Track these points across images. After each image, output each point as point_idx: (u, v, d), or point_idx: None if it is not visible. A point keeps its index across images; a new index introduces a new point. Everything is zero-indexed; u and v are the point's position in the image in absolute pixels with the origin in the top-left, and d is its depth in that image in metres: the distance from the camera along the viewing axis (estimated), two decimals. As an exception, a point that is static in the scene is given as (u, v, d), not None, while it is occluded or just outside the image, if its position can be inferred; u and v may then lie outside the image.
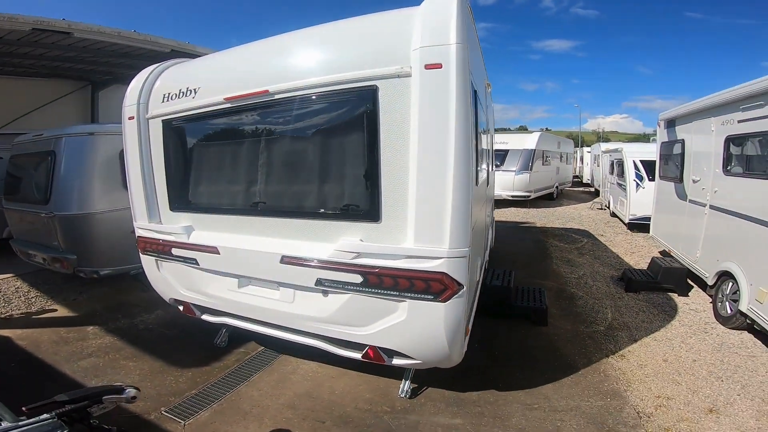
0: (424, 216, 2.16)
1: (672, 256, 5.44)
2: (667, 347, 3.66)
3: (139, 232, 3.47)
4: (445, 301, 2.20)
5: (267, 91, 2.59)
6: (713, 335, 3.86)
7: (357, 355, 2.66)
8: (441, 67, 2.07)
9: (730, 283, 3.99)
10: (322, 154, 2.58)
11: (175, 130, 3.21)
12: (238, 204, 3.01)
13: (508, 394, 2.93)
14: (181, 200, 3.27)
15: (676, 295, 4.83)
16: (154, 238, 3.35)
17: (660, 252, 6.56)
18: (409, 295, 2.27)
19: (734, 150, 4.06)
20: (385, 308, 2.39)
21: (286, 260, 2.61)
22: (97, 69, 8.50)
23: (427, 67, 2.09)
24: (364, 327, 2.51)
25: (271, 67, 2.70)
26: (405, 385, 2.89)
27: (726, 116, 4.12)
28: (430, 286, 2.20)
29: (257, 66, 2.79)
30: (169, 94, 3.16)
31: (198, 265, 3.11)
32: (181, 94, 3.07)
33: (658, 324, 4.14)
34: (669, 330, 4.01)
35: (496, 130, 10.34)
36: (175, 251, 3.22)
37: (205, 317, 3.39)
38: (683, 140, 5.16)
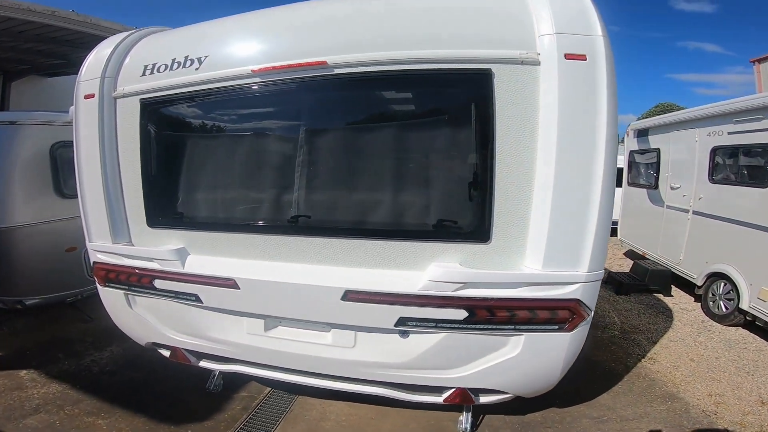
0: (559, 234, 1.76)
1: (646, 258, 5.76)
2: (685, 347, 3.78)
3: (97, 257, 2.54)
4: (571, 330, 1.83)
5: (324, 63, 1.94)
6: (715, 333, 4.10)
7: (436, 399, 2.17)
8: (585, 59, 1.70)
9: (722, 284, 4.26)
10: (403, 154, 2.05)
11: (160, 112, 2.40)
12: (266, 218, 2.31)
13: (570, 410, 2.74)
14: (166, 212, 2.45)
15: (662, 295, 5.10)
16: (123, 266, 2.46)
17: (624, 253, 7.00)
18: (528, 327, 1.85)
19: (721, 159, 4.35)
20: (489, 345, 1.94)
21: (352, 296, 1.99)
22: (13, 56, 6.68)
23: (568, 57, 1.70)
24: (456, 369, 2.03)
25: (330, 31, 2.06)
26: (465, 419, 2.43)
27: (713, 128, 4.40)
28: (557, 315, 1.82)
29: (308, 29, 2.11)
30: (154, 65, 2.34)
31: (200, 303, 2.31)
32: (176, 64, 2.27)
33: (664, 325, 4.28)
34: (676, 330, 4.16)
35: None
36: (159, 284, 2.37)
37: (206, 364, 2.61)
38: (658, 149, 5.48)
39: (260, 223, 2.30)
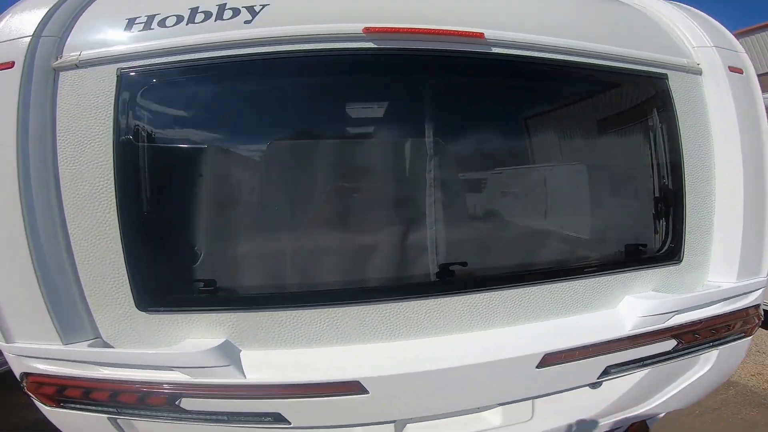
0: (749, 244, 1.72)
1: None
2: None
3: (30, 366, 1.38)
4: (751, 333, 1.83)
5: (481, 35, 1.43)
6: None
7: None
8: (742, 73, 1.75)
9: None
10: (577, 168, 1.73)
11: (164, 94, 1.45)
12: (385, 275, 1.60)
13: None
14: (178, 281, 1.49)
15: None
16: (102, 380, 1.36)
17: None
18: (723, 341, 1.76)
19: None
20: (682, 368, 1.78)
21: (550, 360, 1.50)
22: None
23: (732, 69, 1.71)
24: (645, 402, 1.79)
25: (484, 1, 1.58)
26: None
27: None
28: (745, 323, 1.79)
29: None
30: (151, 17, 1.37)
31: (282, 423, 1.40)
32: (201, 15, 1.37)
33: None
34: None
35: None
36: (192, 404, 1.36)
37: None
38: None
39: (375, 284, 1.56)
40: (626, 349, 1.60)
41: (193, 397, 1.35)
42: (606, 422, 1.76)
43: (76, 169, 1.33)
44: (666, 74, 1.67)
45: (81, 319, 1.38)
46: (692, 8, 1.87)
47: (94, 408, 1.40)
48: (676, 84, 1.69)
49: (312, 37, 1.38)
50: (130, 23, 1.37)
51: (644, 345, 1.62)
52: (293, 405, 1.38)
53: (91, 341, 1.38)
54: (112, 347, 1.41)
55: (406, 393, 1.44)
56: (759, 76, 1.82)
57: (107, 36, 1.37)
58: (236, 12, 1.38)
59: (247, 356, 1.40)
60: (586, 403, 1.71)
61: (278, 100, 1.58)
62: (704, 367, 1.79)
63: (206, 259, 1.48)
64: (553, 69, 1.58)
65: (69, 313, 1.36)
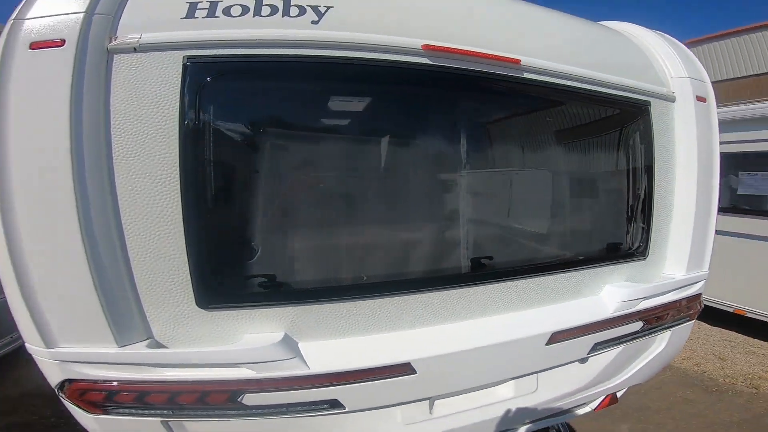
0: (696, 244, 2.15)
1: None
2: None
3: (80, 372, 1.30)
4: (695, 317, 2.28)
5: (518, 62, 1.62)
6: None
7: (588, 410, 2.24)
8: (706, 102, 2.13)
9: None
10: (579, 178, 1.99)
11: (230, 86, 1.46)
12: (428, 267, 1.76)
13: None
14: (242, 277, 1.51)
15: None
16: (158, 382, 1.34)
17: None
18: (674, 324, 2.19)
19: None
20: (645, 347, 2.18)
21: (557, 337, 1.79)
22: None
23: (698, 98, 2.09)
24: (617, 376, 2.17)
25: (522, 31, 1.77)
26: None
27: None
28: (691, 308, 2.23)
29: (499, 22, 1.73)
30: (213, 4, 1.34)
31: (337, 409, 1.51)
32: (266, 8, 1.37)
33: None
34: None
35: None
36: (254, 399, 1.40)
37: None
38: None
39: (423, 276, 1.71)
40: (609, 328, 1.94)
41: (256, 392, 1.38)
42: (589, 393, 2.10)
43: (135, 162, 1.27)
44: (650, 101, 2.01)
45: (133, 319, 1.33)
46: (674, 39, 2.21)
47: (147, 412, 1.36)
48: (655, 109, 2.03)
49: (374, 47, 1.44)
50: (192, 8, 1.31)
51: (621, 325, 1.97)
52: (349, 390, 1.48)
53: (144, 342, 1.34)
54: (165, 347, 1.37)
55: (445, 371, 1.62)
56: (714, 83, 2.22)
57: (168, 19, 1.30)
58: (302, 10, 1.39)
59: (305, 347, 1.46)
60: (576, 377, 2.03)
61: (338, 102, 1.63)
62: (660, 345, 2.20)
63: (267, 254, 1.50)
64: (569, 93, 1.83)
65: (123, 313, 1.30)
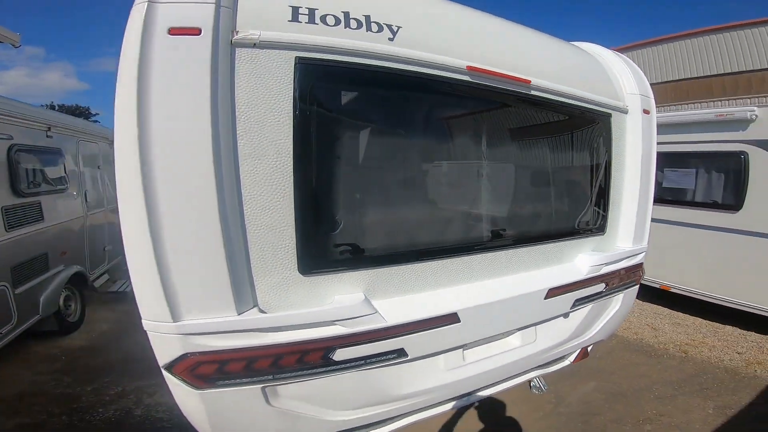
0: (639, 224, 2.80)
1: None
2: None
3: (198, 345, 1.42)
4: (639, 282, 2.92)
5: (529, 82, 2.09)
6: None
7: (565, 363, 2.80)
8: (649, 114, 2.78)
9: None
10: (561, 171, 2.51)
11: (329, 87, 1.69)
12: (465, 237, 2.18)
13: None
14: (334, 247, 1.74)
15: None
16: (265, 347, 1.50)
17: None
18: (626, 286, 2.80)
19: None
20: (606, 306, 2.77)
21: (551, 293, 2.30)
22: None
23: (644, 111, 2.73)
24: (588, 331, 2.75)
25: (531, 56, 2.22)
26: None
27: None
28: (636, 274, 2.88)
29: (515, 48, 2.17)
30: (313, 11, 1.55)
31: (403, 357, 1.81)
32: (353, 22, 1.62)
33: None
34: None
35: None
36: (342, 354, 1.64)
37: None
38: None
39: (460, 243, 2.10)
40: (584, 288, 2.48)
41: (345, 347, 1.62)
42: (570, 345, 2.63)
43: (255, 147, 1.45)
44: (611, 113, 2.60)
45: (246, 288, 1.48)
46: (628, 59, 2.83)
47: (251, 380, 1.50)
48: (614, 119, 2.64)
49: (433, 63, 1.78)
50: (295, 12, 1.52)
51: (591, 286, 2.53)
52: (412, 339, 1.79)
53: (253, 309, 1.49)
54: (266, 313, 1.52)
55: (478, 320, 2.01)
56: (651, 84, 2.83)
57: (278, 20, 1.48)
58: (380, 27, 1.68)
59: (378, 305, 1.73)
60: (562, 328, 2.56)
61: (405, 106, 1.95)
62: (616, 306, 2.80)
63: (352, 227, 1.76)
64: (558, 106, 2.35)
65: (241, 283, 1.45)
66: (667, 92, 11.56)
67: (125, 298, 5.49)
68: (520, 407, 3.13)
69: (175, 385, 1.47)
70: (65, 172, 4.79)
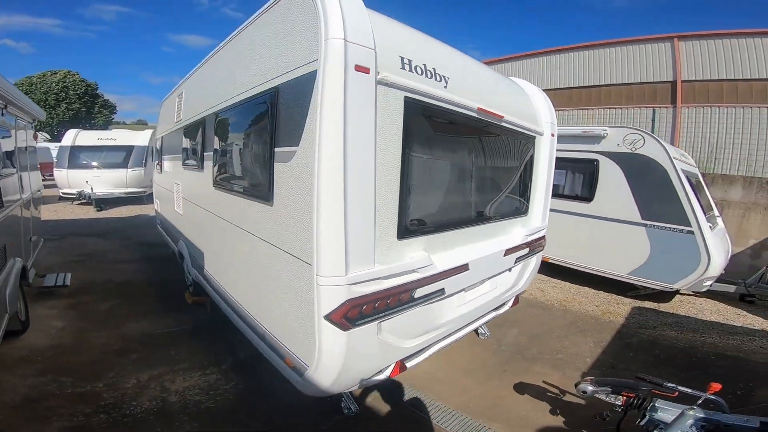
0: (544, 209, 4.20)
1: None
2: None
3: (353, 292, 2.09)
4: (543, 249, 4.36)
5: (502, 117, 3.20)
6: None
7: (507, 308, 4.05)
8: (554, 136, 4.20)
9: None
10: (509, 173, 3.72)
11: (418, 119, 2.43)
12: (468, 215, 3.19)
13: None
14: (413, 222, 2.55)
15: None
16: (388, 289, 2.26)
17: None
18: (537, 251, 4.21)
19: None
20: (527, 265, 4.12)
21: (506, 252, 3.52)
22: None
23: (552, 134, 4.14)
24: (520, 282, 4.05)
25: (501, 97, 3.33)
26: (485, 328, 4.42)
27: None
28: (542, 243, 4.27)
29: (495, 90, 3.25)
30: (410, 61, 2.28)
31: (442, 294, 2.74)
32: (428, 72, 2.40)
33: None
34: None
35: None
36: (419, 293, 2.50)
37: (411, 364, 2.84)
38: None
39: (466, 219, 3.13)
40: (519, 250, 3.76)
41: (420, 287, 2.45)
42: (510, 293, 3.87)
43: (384, 156, 2.18)
44: (536, 136, 3.93)
45: (374, 249, 2.18)
46: (545, 95, 4.15)
47: (373, 318, 2.19)
48: (537, 139, 3.98)
49: (461, 105, 2.72)
50: (402, 61, 2.25)
51: (522, 249, 3.83)
52: (448, 281, 2.71)
53: (377, 264, 2.19)
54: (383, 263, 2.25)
55: (476, 269, 3.03)
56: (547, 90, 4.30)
57: (392, 65, 2.18)
58: (440, 78, 2.53)
59: (435, 257, 2.58)
60: (508, 280, 3.80)
61: (448, 134, 2.85)
62: (532, 264, 4.17)
63: (420, 207, 2.59)
64: (512, 131, 3.53)
65: (374, 245, 2.17)
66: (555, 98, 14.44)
67: (59, 294, 5.11)
68: (475, 348, 4.28)
69: (329, 330, 2.06)
70: (12, 153, 4.27)
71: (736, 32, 11.75)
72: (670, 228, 5.84)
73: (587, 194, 6.64)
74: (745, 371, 4.01)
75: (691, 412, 2.05)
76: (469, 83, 2.95)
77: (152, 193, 8.19)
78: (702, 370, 4.04)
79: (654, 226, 5.98)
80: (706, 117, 12.07)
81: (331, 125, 1.92)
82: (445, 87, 2.59)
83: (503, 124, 3.28)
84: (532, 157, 3.96)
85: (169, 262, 6.43)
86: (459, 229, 3.00)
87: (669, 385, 2.30)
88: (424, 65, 2.43)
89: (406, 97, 2.28)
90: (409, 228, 2.48)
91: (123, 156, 12.13)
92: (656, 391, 2.29)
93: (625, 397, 2.30)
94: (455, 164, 3.10)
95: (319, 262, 2.02)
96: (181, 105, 5.23)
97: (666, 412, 2.19)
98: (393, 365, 2.59)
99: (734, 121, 11.27)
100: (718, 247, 5.69)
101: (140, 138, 12.69)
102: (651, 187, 5.99)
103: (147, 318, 4.61)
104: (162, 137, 6.73)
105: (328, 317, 2.06)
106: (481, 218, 3.31)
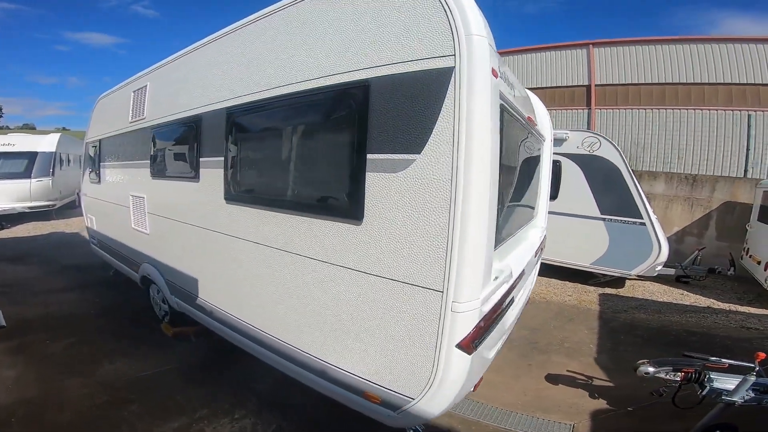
0: (546, 212, 4.44)
1: None
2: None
3: (483, 311, 1.99)
4: (544, 248, 4.61)
5: (536, 125, 3.45)
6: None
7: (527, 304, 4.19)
8: (551, 141, 4.45)
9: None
10: (531, 178, 3.82)
11: (503, 126, 2.32)
12: (517, 222, 3.35)
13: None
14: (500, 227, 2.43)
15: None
16: (495, 305, 2.19)
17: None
18: (543, 249, 4.41)
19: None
20: (537, 261, 4.30)
21: (536, 252, 3.64)
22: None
23: (550, 140, 4.37)
24: (533, 278, 4.20)
25: (534, 108, 3.56)
26: None
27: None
28: (545, 242, 4.51)
29: (526, 104, 3.38)
30: (503, 72, 2.26)
31: (513, 301, 2.74)
32: (507, 79, 2.49)
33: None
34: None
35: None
36: (507, 301, 2.46)
37: None
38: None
39: (514, 225, 3.17)
40: (539, 249, 3.94)
41: (507, 297, 2.43)
42: (531, 287, 4.02)
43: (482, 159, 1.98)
44: (543, 141, 4.11)
45: (491, 263, 2.06)
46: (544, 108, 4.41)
47: (487, 335, 2.08)
48: (544, 144, 4.16)
49: (521, 113, 2.79)
50: (495, 72, 2.17)
51: (540, 249, 4.02)
52: (516, 288, 2.71)
53: (490, 281, 2.08)
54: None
55: (525, 273, 3.15)
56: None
57: (485, 71, 2.03)
58: (511, 85, 2.56)
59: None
60: (532, 281, 3.93)
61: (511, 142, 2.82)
62: (538, 262, 4.40)
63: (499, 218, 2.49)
64: (536, 138, 3.66)
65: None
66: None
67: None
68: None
69: (456, 357, 1.90)
70: None
71: (646, 39, 13.55)
72: (625, 221, 6.54)
73: (552, 193, 7.12)
74: (715, 345, 4.64)
75: (752, 378, 2.33)
76: (518, 89, 2.99)
77: (81, 206, 6.97)
78: (682, 346, 4.57)
79: (611, 220, 6.65)
80: (621, 119, 13.73)
81: (483, 132, 1.78)
82: (512, 94, 2.57)
83: (533, 130, 3.37)
84: (543, 160, 4.14)
85: (116, 290, 5.61)
86: (513, 236, 3.01)
87: (714, 359, 2.58)
88: (506, 74, 2.41)
89: (501, 104, 2.20)
90: (499, 235, 2.42)
91: (25, 164, 10.19)
92: (708, 365, 2.54)
93: (684, 373, 2.55)
94: (511, 170, 3.08)
95: (456, 286, 1.84)
96: (144, 101, 4.47)
97: (722, 382, 2.50)
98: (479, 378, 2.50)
99: (652, 122, 13.01)
100: (664, 236, 6.50)
101: (45, 143, 10.78)
102: (607, 185, 6.66)
103: (121, 357, 3.88)
104: (100, 141, 5.74)
105: (459, 345, 1.89)
106: (521, 223, 3.37)
